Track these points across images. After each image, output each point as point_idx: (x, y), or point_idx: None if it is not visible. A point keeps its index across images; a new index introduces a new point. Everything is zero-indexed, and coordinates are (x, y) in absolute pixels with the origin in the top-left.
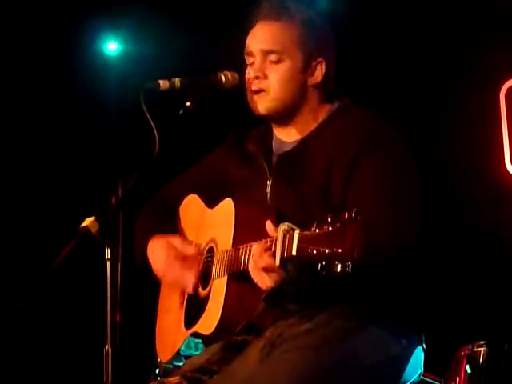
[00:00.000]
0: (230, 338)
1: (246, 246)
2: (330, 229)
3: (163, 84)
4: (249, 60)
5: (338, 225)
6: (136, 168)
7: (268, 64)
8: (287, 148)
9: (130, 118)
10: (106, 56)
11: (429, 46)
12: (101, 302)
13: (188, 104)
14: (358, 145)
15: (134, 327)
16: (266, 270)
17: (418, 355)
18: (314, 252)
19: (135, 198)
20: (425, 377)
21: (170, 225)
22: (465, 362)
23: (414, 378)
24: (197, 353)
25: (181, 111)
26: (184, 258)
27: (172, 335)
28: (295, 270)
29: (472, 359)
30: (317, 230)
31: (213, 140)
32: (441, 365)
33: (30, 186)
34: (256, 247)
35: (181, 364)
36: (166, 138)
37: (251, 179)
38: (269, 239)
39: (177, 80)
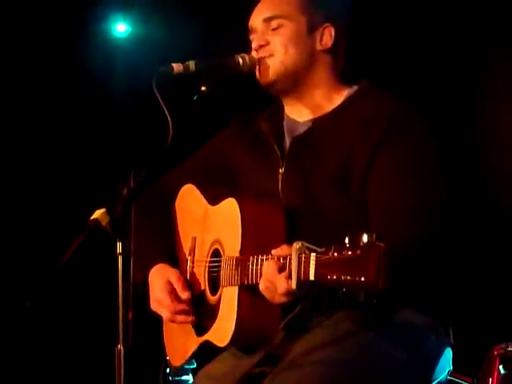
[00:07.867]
0: (249, 371)
1: (257, 259)
2: (350, 253)
3: (177, 67)
4: (252, 38)
5: (359, 252)
6: (148, 157)
7: (270, 31)
8: (300, 129)
9: (140, 103)
10: (114, 38)
11: (462, 32)
12: (112, 299)
13: (203, 89)
14: (380, 131)
15: (147, 324)
16: (284, 293)
17: (447, 352)
18: (334, 278)
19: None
20: (456, 377)
21: (168, 224)
22: (498, 361)
23: (443, 376)
24: None
25: (195, 97)
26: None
27: (182, 339)
28: (314, 295)
29: (506, 359)
30: (335, 254)
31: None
32: (472, 365)
33: (35, 177)
34: (268, 266)
35: (192, 367)
36: (180, 126)
37: (262, 166)
38: (282, 257)
39: (191, 63)
